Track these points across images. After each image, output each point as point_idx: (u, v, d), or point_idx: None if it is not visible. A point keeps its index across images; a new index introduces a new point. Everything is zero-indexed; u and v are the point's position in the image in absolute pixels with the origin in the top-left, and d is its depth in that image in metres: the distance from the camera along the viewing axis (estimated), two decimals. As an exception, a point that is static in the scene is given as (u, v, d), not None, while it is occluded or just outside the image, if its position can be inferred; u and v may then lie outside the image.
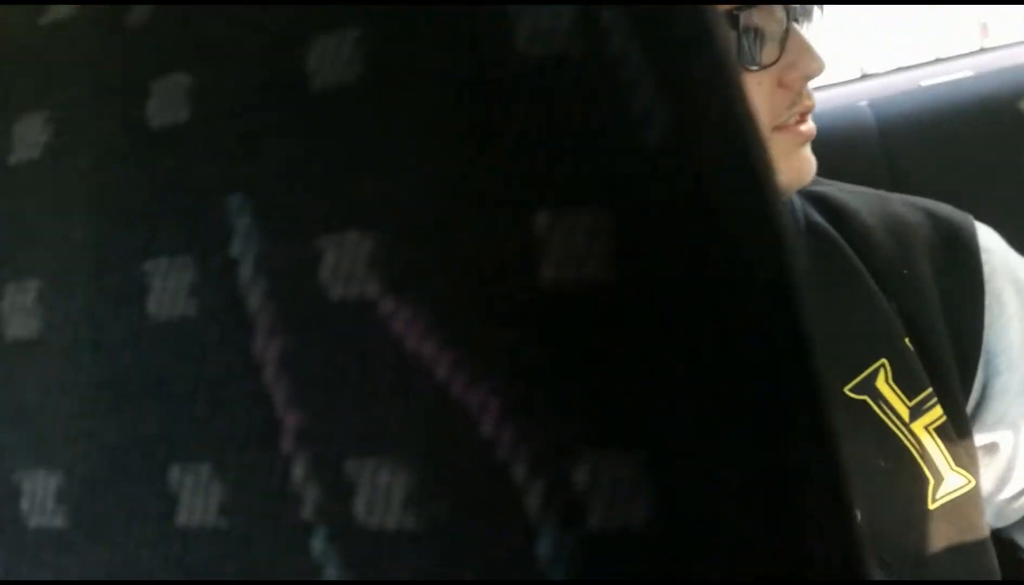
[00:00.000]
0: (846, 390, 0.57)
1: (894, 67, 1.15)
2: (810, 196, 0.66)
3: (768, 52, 0.53)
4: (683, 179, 0.11)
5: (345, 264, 0.12)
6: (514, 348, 0.11)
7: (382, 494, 0.11)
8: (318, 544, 0.12)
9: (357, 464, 0.11)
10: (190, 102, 0.14)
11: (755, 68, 0.52)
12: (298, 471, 0.12)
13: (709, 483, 0.10)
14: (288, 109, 0.13)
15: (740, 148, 0.11)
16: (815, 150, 0.68)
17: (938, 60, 1.12)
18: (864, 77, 1.17)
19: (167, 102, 0.15)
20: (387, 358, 0.11)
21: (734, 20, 0.51)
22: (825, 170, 0.75)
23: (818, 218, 0.64)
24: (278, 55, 0.14)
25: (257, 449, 0.12)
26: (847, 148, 0.81)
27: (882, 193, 0.68)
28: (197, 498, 0.13)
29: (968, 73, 0.88)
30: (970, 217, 0.64)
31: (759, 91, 0.53)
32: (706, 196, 0.11)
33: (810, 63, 0.53)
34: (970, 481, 0.58)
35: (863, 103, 0.85)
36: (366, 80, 0.13)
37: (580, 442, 0.10)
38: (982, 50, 1.18)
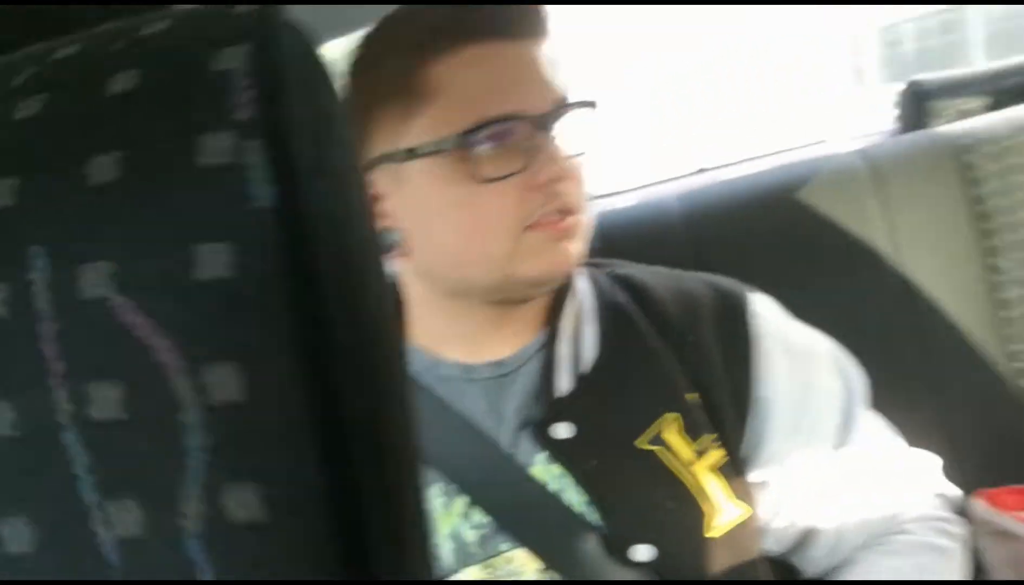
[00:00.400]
0: (637, 443, 0.65)
1: (716, 164, 1.32)
2: (617, 278, 0.75)
3: (513, 162, 0.60)
4: (276, 229, 0.20)
5: (96, 279, 0.21)
6: (184, 316, 0.20)
7: (106, 402, 0.20)
8: (69, 437, 0.20)
9: (94, 386, 0.20)
10: (13, 195, 0.23)
11: (496, 178, 0.59)
12: (59, 396, 0.20)
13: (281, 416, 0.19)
14: (70, 202, 0.22)
15: (330, 225, 0.20)
16: (631, 241, 0.78)
17: (745, 159, 1.30)
18: (700, 171, 1.33)
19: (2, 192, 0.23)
20: (114, 329, 0.20)
21: (465, 142, 0.59)
22: (638, 255, 0.85)
23: (620, 297, 0.72)
24: (62, 165, 0.22)
25: (34, 385, 0.20)
26: (657, 237, 0.94)
27: (677, 272, 0.78)
28: None
29: (758, 169, 1.04)
30: (746, 288, 0.75)
31: (503, 200, 0.61)
32: (289, 245, 0.20)
33: (552, 167, 0.61)
34: (746, 511, 0.66)
35: (673, 197, 0.99)
36: (117, 177, 0.22)
37: (206, 358, 0.19)
38: (788, 150, 1.37)
